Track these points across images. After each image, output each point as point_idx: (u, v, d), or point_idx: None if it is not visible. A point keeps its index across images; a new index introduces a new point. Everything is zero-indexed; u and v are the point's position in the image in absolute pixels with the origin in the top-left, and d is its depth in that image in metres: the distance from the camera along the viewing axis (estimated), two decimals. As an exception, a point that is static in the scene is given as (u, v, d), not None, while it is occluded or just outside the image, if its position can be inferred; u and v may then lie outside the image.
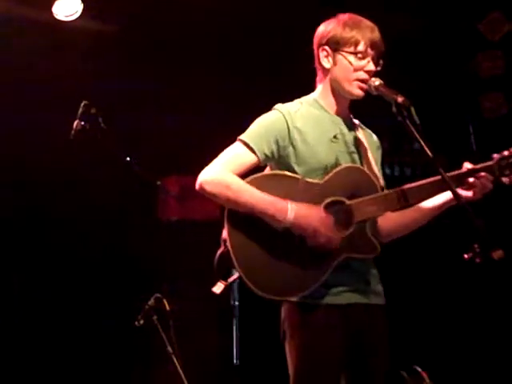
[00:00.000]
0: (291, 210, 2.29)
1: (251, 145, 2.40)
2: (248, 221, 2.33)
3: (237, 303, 5.41)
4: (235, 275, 2.37)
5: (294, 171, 2.40)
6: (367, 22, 2.47)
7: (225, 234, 2.36)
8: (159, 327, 4.07)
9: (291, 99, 2.54)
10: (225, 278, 2.41)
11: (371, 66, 2.44)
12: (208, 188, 2.36)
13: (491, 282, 4.07)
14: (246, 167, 2.40)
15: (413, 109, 2.26)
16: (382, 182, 2.46)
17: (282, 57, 4.89)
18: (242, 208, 2.33)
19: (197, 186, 2.40)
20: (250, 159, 2.40)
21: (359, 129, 2.55)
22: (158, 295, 4.14)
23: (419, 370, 3.97)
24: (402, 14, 4.50)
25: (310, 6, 4.26)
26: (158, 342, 4.05)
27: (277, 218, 2.30)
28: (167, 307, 4.12)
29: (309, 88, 2.59)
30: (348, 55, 2.43)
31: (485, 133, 4.60)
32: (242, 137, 2.43)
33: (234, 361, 5.35)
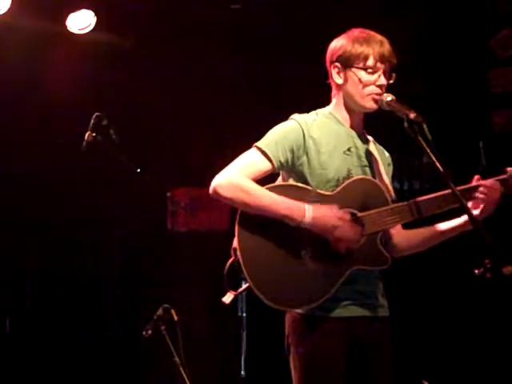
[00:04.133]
0: (309, 210, 2.31)
1: (267, 152, 2.41)
2: (258, 230, 2.34)
3: (244, 315, 5.42)
4: (245, 285, 2.37)
5: (306, 181, 2.42)
6: (376, 36, 2.48)
7: (235, 243, 2.35)
8: (167, 337, 4.07)
9: (302, 112, 2.56)
10: (234, 288, 2.41)
11: (382, 80, 2.46)
12: (222, 192, 2.37)
13: (501, 297, 4.07)
14: (260, 173, 2.42)
15: (425, 125, 2.28)
16: (393, 195, 2.48)
17: (295, 70, 4.93)
18: (258, 210, 2.34)
19: (210, 190, 2.41)
20: (264, 166, 2.41)
21: (372, 144, 2.57)
22: (167, 305, 4.14)
23: (427, 384, 3.95)
24: (414, 31, 4.53)
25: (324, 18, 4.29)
26: (165, 352, 4.06)
27: (295, 218, 2.32)
28: (175, 317, 4.12)
29: (322, 101, 2.61)
30: (358, 71, 2.45)
31: (495, 148, 4.62)
32: (258, 144, 2.45)
33: (242, 372, 5.36)
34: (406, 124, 2.31)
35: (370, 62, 2.44)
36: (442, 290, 4.78)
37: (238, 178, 2.38)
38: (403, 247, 2.57)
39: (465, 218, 2.42)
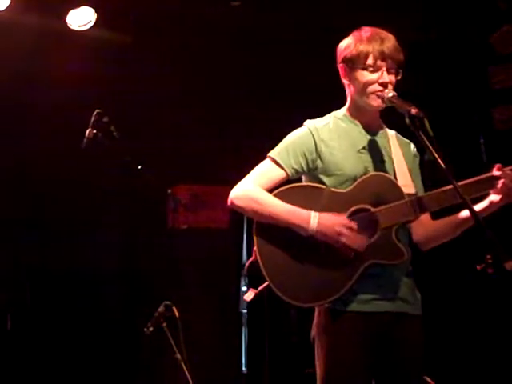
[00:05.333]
0: (314, 218, 2.37)
1: (279, 161, 2.49)
2: (275, 231, 2.42)
3: (245, 311, 5.43)
4: (265, 283, 2.42)
5: (323, 183, 2.47)
6: (379, 34, 2.48)
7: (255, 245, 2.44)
8: (168, 334, 4.08)
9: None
10: (255, 286, 2.46)
11: (385, 78, 2.46)
12: (237, 202, 2.48)
13: (503, 293, 4.07)
14: (276, 182, 2.49)
15: (426, 120, 2.28)
16: (413, 189, 2.47)
17: (296, 67, 4.93)
18: (268, 219, 2.43)
19: (228, 202, 2.50)
20: (278, 174, 2.49)
21: (394, 139, 2.58)
22: (168, 302, 4.15)
23: (428, 379, 3.96)
24: (415, 27, 4.52)
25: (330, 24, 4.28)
26: (167, 348, 4.07)
27: (301, 226, 2.38)
28: (176, 314, 4.14)
29: (327, 98, 2.62)
30: (359, 71, 2.47)
31: (495, 144, 4.62)
32: (271, 153, 2.52)
33: (243, 368, 5.37)
34: (407, 120, 2.32)
35: (370, 61, 2.45)
36: (445, 286, 4.79)
37: (250, 188, 2.47)
38: (432, 238, 2.59)
39: (485, 203, 2.45)
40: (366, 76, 2.46)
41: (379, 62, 2.45)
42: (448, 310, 4.79)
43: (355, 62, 2.47)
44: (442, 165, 2.24)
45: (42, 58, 4.74)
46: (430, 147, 2.26)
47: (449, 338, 4.74)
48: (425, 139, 2.28)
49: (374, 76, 2.46)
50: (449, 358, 4.70)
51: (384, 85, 2.45)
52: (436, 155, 2.25)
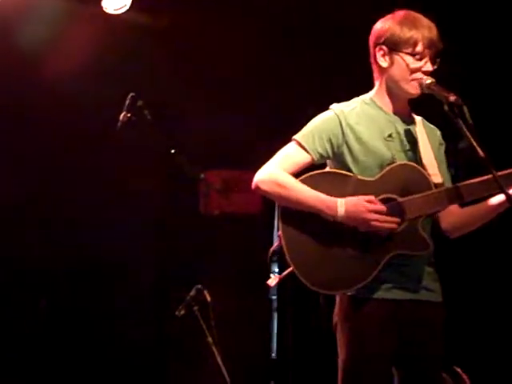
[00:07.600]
0: (341, 206, 2.35)
1: (304, 144, 2.46)
2: (300, 217, 2.40)
3: (275, 297, 5.43)
4: (289, 269, 2.41)
5: (349, 169, 2.44)
6: (425, 21, 2.45)
7: (280, 230, 2.42)
8: (200, 317, 4.12)
9: (335, 101, 2.55)
10: (279, 272, 2.46)
11: (429, 67, 2.44)
12: (262, 186, 2.45)
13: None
14: (300, 166, 2.47)
15: (465, 108, 2.24)
16: (440, 179, 2.44)
17: (332, 58, 4.88)
18: (294, 205, 2.40)
19: (253, 185, 2.48)
20: (303, 158, 2.47)
21: (421, 126, 2.54)
22: (199, 286, 4.19)
23: (459, 371, 3.92)
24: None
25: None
26: (198, 331, 4.10)
27: (328, 214, 2.36)
28: (208, 298, 4.17)
29: (364, 88, 2.58)
30: (406, 56, 2.43)
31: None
32: (296, 136, 2.49)
33: (272, 354, 5.38)
34: (445, 107, 2.29)
35: (419, 48, 2.42)
36: (476, 277, 4.73)
37: (275, 172, 2.44)
38: (460, 226, 2.57)
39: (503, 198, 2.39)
40: (411, 63, 2.42)
41: (426, 50, 2.42)
42: (482, 299, 4.73)
43: (402, 46, 2.42)
44: (481, 153, 2.21)
45: (78, 41, 4.76)
46: (469, 135, 2.23)
47: (482, 330, 4.69)
48: (463, 127, 2.25)
49: (419, 64, 2.43)
50: (482, 351, 4.65)
51: (426, 73, 2.43)
52: (475, 144, 2.22)
